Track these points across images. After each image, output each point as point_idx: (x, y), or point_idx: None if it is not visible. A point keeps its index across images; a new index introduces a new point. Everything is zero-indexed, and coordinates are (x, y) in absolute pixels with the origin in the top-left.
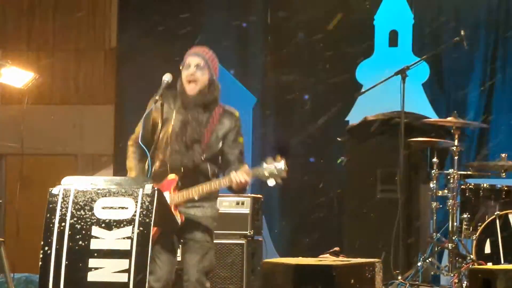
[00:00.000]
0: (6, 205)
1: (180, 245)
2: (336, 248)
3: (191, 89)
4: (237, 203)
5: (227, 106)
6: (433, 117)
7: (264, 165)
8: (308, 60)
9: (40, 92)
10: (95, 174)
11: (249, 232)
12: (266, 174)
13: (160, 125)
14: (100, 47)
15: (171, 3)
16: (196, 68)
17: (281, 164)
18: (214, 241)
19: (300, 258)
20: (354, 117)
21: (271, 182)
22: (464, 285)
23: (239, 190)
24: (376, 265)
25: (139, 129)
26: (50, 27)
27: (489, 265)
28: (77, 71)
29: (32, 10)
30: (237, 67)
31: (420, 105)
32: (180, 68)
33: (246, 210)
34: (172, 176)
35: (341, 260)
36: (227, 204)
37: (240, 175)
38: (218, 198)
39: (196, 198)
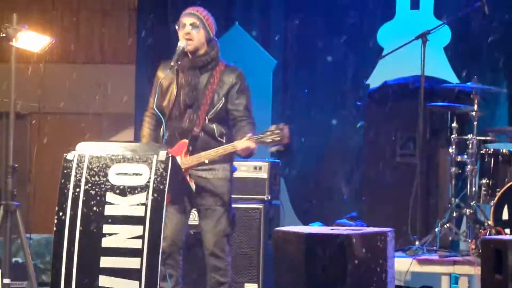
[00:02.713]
0: (31, 166)
1: (196, 212)
2: (354, 213)
3: (188, 46)
4: (255, 168)
5: (229, 64)
6: (454, 82)
7: (268, 132)
8: (329, 22)
9: (65, 51)
10: (119, 133)
11: (266, 197)
12: (268, 140)
13: (175, 91)
14: (125, 6)
15: None
16: (192, 26)
17: (283, 131)
18: (232, 206)
19: (311, 227)
20: (374, 81)
21: (273, 148)
22: (481, 251)
23: (245, 156)
24: (388, 234)
25: (152, 99)
26: None
27: (507, 232)
28: (101, 30)
29: None
30: (257, 29)
31: (441, 69)
32: (176, 29)
33: (263, 174)
34: (183, 141)
35: (352, 229)
36: (245, 169)
37: (244, 143)
38: (233, 160)
39: (206, 162)
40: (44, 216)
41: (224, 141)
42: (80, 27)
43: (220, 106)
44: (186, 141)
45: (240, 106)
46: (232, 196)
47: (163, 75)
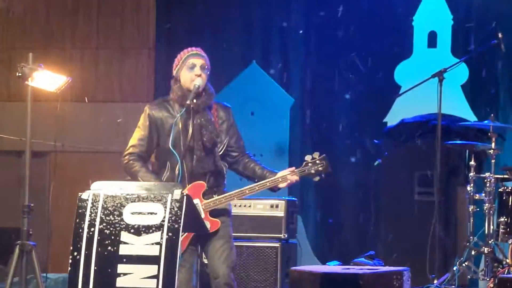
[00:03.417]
0: (52, 203)
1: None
2: (371, 252)
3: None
4: (271, 206)
5: (217, 101)
6: (472, 119)
7: (309, 163)
8: (347, 61)
9: (84, 89)
10: None
11: (283, 236)
12: (313, 171)
13: (191, 131)
14: (144, 45)
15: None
16: (201, 68)
17: (324, 160)
18: (248, 244)
19: (327, 266)
20: (392, 119)
21: (316, 178)
22: None
23: (280, 189)
24: (404, 274)
25: (135, 141)
26: (94, 26)
27: None
28: (120, 69)
29: (76, 8)
30: (275, 67)
31: (459, 107)
32: (175, 70)
33: (280, 213)
34: (199, 182)
35: (368, 268)
36: (261, 207)
37: (291, 178)
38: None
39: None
40: (62, 255)
41: (225, 177)
42: (99, 65)
43: (226, 143)
44: (202, 182)
45: (240, 142)
46: (249, 234)
47: (161, 115)
